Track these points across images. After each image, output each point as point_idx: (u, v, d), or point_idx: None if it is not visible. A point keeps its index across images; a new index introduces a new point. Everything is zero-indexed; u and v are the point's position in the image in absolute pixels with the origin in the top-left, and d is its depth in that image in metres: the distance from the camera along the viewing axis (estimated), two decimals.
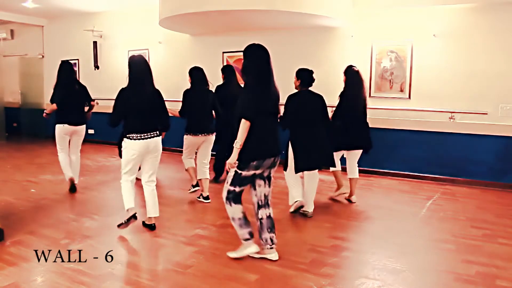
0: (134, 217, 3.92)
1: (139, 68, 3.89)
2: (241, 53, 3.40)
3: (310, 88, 4.51)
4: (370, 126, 5.48)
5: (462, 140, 6.05)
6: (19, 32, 11.00)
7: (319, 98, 4.48)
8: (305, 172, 4.57)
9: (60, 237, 3.78)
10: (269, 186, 3.36)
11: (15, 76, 10.97)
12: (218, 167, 5.97)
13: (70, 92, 5.28)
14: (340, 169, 5.18)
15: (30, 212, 4.52)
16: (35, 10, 9.07)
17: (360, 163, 4.91)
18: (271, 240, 3.33)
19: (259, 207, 3.34)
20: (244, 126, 3.11)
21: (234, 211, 3.29)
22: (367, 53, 6.59)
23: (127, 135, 3.81)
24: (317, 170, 4.57)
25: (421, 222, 4.43)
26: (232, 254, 3.38)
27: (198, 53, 8.12)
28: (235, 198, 3.29)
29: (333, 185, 5.51)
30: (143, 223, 4.13)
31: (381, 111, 6.52)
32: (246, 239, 3.32)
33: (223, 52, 7.91)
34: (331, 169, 5.18)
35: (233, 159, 3.15)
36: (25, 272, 3.08)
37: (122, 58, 9.08)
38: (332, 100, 5.12)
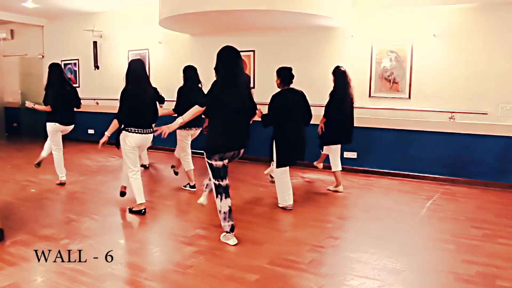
0: (143, 212, 4.42)
1: (138, 69, 4.31)
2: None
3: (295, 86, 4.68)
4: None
5: (462, 140, 6.04)
6: (19, 32, 11.00)
7: (301, 95, 4.68)
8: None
9: (60, 237, 3.78)
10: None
11: (15, 76, 10.96)
12: None
13: (62, 93, 5.49)
14: (341, 169, 5.40)
15: (30, 212, 4.51)
16: (35, 10, 9.07)
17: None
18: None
19: None
20: (193, 110, 3.54)
21: (222, 205, 3.63)
22: (367, 53, 6.59)
23: (126, 128, 4.24)
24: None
25: (421, 222, 4.43)
26: (222, 235, 3.74)
27: (198, 53, 8.11)
28: (225, 192, 3.62)
29: (333, 184, 5.59)
30: (130, 209, 4.52)
31: (381, 111, 6.52)
32: (227, 232, 3.67)
33: None
34: (332, 169, 5.47)
35: (169, 128, 3.58)
36: (25, 272, 3.08)
37: (122, 58, 9.08)
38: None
